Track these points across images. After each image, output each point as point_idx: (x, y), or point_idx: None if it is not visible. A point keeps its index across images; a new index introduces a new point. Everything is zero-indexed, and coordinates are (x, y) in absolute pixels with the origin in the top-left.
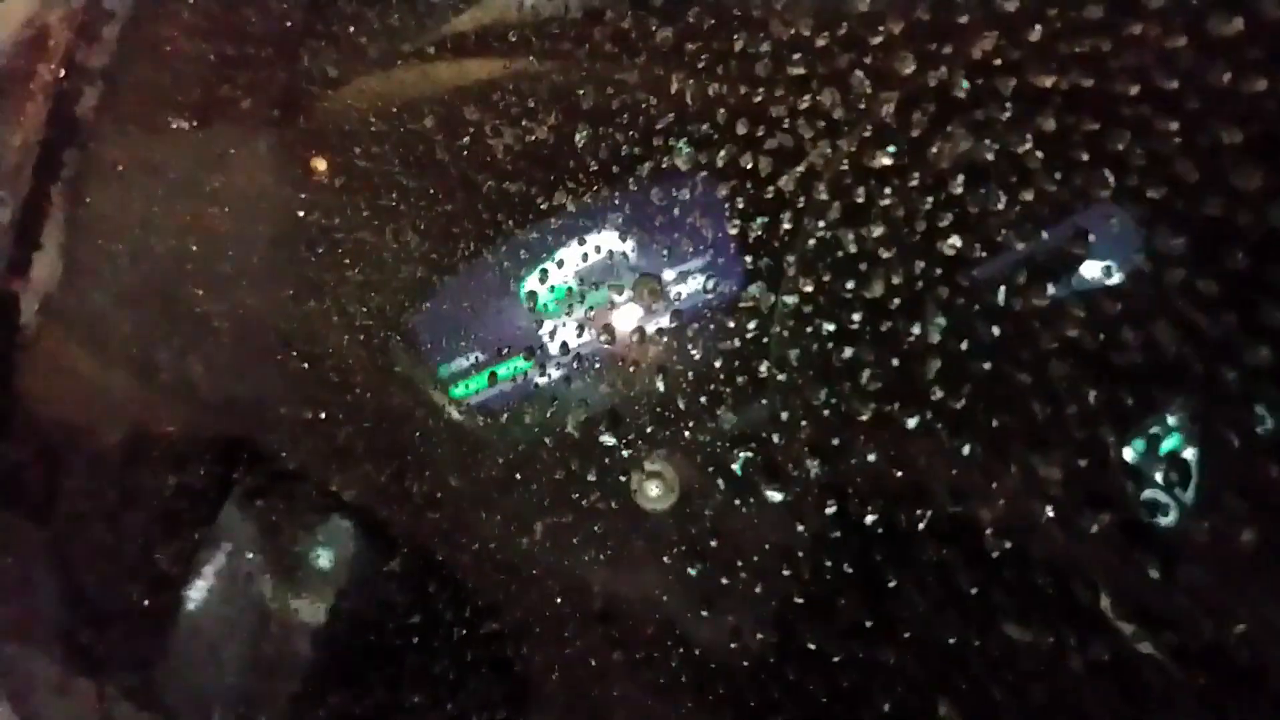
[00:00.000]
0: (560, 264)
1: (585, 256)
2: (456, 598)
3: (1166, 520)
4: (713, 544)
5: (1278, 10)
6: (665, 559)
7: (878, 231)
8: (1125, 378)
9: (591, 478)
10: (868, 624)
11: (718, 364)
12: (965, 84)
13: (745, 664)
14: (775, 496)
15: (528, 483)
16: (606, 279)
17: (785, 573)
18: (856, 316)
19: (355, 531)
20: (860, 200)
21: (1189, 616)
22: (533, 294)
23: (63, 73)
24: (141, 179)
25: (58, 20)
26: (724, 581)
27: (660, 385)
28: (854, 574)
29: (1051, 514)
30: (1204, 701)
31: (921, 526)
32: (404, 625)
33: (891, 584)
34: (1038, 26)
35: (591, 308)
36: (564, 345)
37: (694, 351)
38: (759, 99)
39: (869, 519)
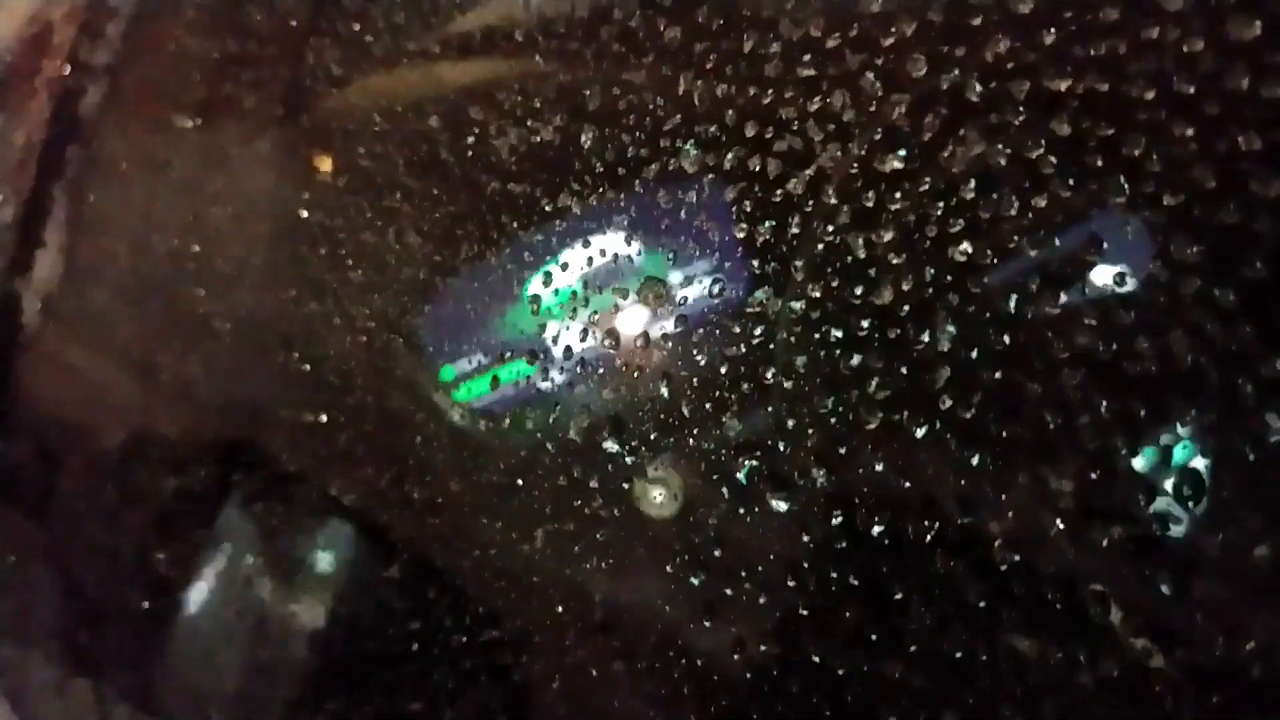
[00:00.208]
0: (564, 267)
1: (590, 259)
2: (456, 605)
3: (1178, 534)
4: (716, 553)
5: None
6: (668, 568)
7: (887, 237)
8: (1138, 388)
9: (594, 485)
10: (873, 636)
11: (723, 370)
12: (978, 87)
13: (748, 676)
14: (780, 506)
15: (529, 489)
16: (611, 282)
17: (790, 583)
18: (865, 323)
19: (355, 536)
20: (870, 204)
21: (1201, 632)
22: (536, 297)
23: (66, 70)
24: (144, 177)
25: (61, 17)
26: (727, 592)
27: (664, 391)
28: (860, 585)
29: (1062, 526)
30: (1216, 718)
31: (929, 538)
32: (403, 632)
33: (898, 596)
34: (1052, 29)
35: (596, 311)
36: (567, 349)
37: (699, 357)
38: (768, 100)
39: (876, 530)
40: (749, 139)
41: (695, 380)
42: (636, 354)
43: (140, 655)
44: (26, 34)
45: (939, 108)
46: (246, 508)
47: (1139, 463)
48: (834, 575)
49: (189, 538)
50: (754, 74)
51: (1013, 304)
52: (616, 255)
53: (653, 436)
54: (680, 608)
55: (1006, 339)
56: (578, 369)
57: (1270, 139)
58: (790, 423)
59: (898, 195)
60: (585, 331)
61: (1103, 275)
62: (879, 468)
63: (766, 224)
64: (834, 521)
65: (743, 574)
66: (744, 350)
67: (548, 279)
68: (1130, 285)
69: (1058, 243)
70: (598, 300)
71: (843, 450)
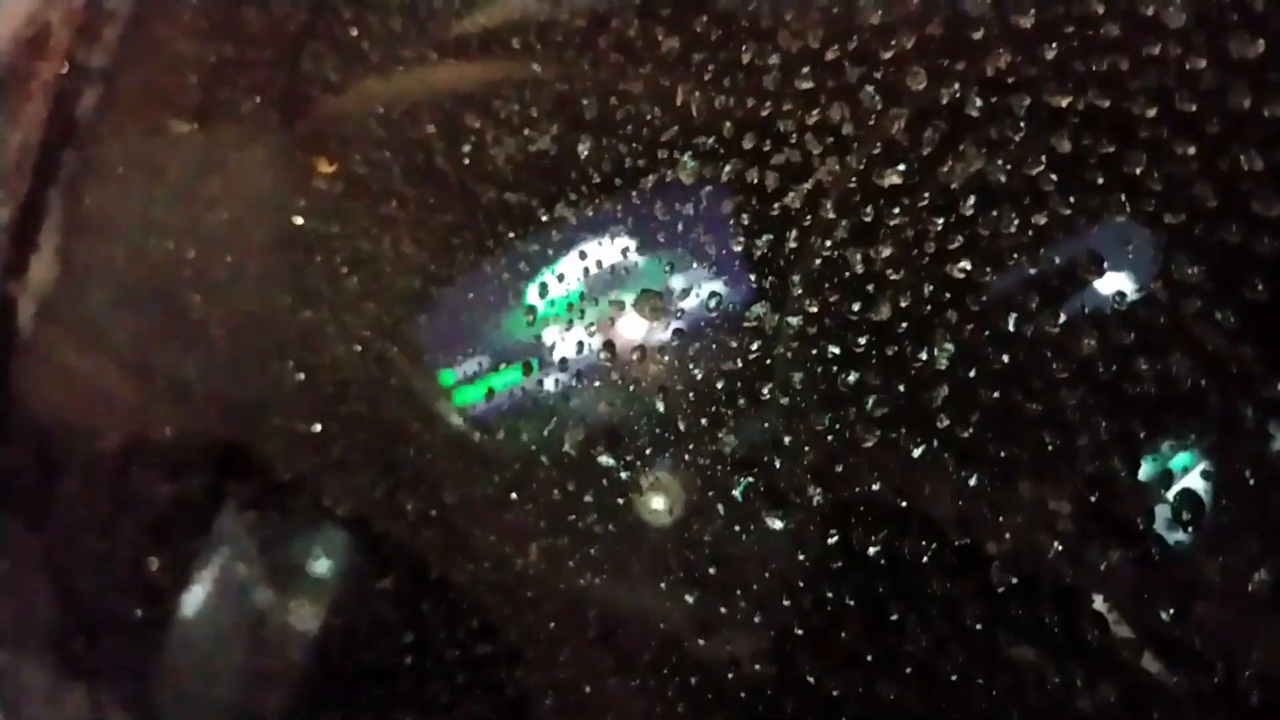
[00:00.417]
0: (560, 277)
1: (586, 270)
2: (450, 617)
3: (1178, 556)
4: (711, 571)
5: None
6: (663, 584)
7: (886, 252)
8: (1138, 409)
9: (589, 499)
10: (869, 657)
11: (719, 385)
12: (978, 102)
13: (743, 695)
14: (776, 523)
15: (524, 502)
16: (607, 294)
17: (785, 602)
18: (862, 340)
19: (349, 547)
20: (868, 219)
21: (1201, 656)
22: (532, 307)
23: (63, 72)
24: (140, 181)
25: (58, 19)
26: (722, 610)
27: (660, 405)
28: (856, 605)
29: (1060, 548)
30: None
31: (926, 558)
32: (397, 644)
33: (894, 616)
34: (1053, 44)
35: (591, 323)
36: (563, 361)
37: (695, 371)
38: (766, 112)
39: (872, 549)
40: (747, 151)
41: (691, 394)
42: (632, 367)
43: (135, 663)
44: (23, 36)
45: (939, 122)
46: (241, 516)
47: (1138, 484)
48: (830, 594)
49: (184, 545)
50: (752, 85)
51: (1012, 322)
52: (613, 266)
53: (648, 451)
54: (675, 625)
55: (1005, 357)
56: (573, 381)
57: (1272, 158)
58: (787, 439)
59: (896, 210)
60: (581, 343)
61: (1103, 294)
62: (876, 486)
63: (764, 237)
64: (830, 540)
65: (738, 592)
66: (741, 365)
67: (543, 289)
68: (1130, 304)
69: (1057, 260)
70: (594, 312)
71: (839, 468)
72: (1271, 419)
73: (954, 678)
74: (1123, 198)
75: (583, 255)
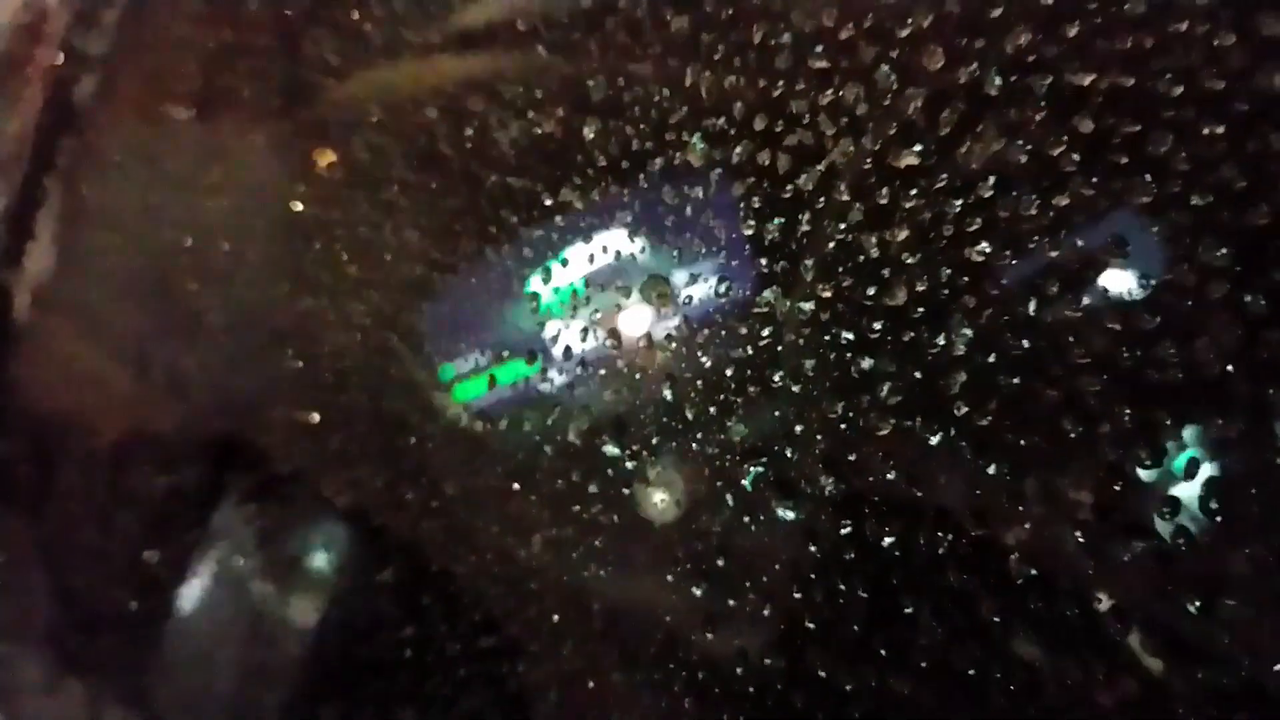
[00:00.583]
0: (566, 264)
1: (592, 257)
2: (452, 610)
3: (1203, 549)
4: (719, 562)
5: None
6: (669, 576)
7: (901, 235)
8: (1162, 397)
9: (594, 489)
10: (882, 651)
11: (729, 372)
12: (997, 81)
13: (752, 690)
14: (787, 514)
15: (527, 492)
16: (614, 281)
17: (796, 595)
18: (877, 325)
19: (349, 539)
20: (883, 202)
21: (1225, 651)
22: (536, 295)
23: (61, 59)
24: (138, 169)
25: (56, 4)
26: (731, 602)
27: (668, 394)
28: (869, 598)
29: (1080, 539)
30: None
31: (942, 550)
32: (398, 637)
33: (908, 609)
34: (1076, 22)
35: (597, 310)
36: (568, 349)
37: (704, 359)
38: (778, 93)
39: (886, 540)
40: (758, 133)
41: (699, 383)
42: (639, 355)
43: (133, 657)
44: (20, 21)
45: (956, 102)
46: (240, 508)
47: (1162, 474)
48: (842, 587)
49: (182, 538)
50: (764, 66)
51: (1032, 307)
52: (619, 252)
53: (655, 440)
54: (682, 618)
55: (1025, 343)
56: (578, 370)
57: None
58: (798, 428)
59: (912, 192)
60: (586, 331)
61: (1126, 278)
62: (890, 476)
63: (775, 221)
64: (843, 531)
65: (747, 584)
66: (750, 352)
67: (548, 276)
68: (1155, 289)
69: (1079, 244)
70: (600, 299)
71: (852, 457)
72: None
73: (970, 672)
74: (1147, 179)
75: (589, 241)
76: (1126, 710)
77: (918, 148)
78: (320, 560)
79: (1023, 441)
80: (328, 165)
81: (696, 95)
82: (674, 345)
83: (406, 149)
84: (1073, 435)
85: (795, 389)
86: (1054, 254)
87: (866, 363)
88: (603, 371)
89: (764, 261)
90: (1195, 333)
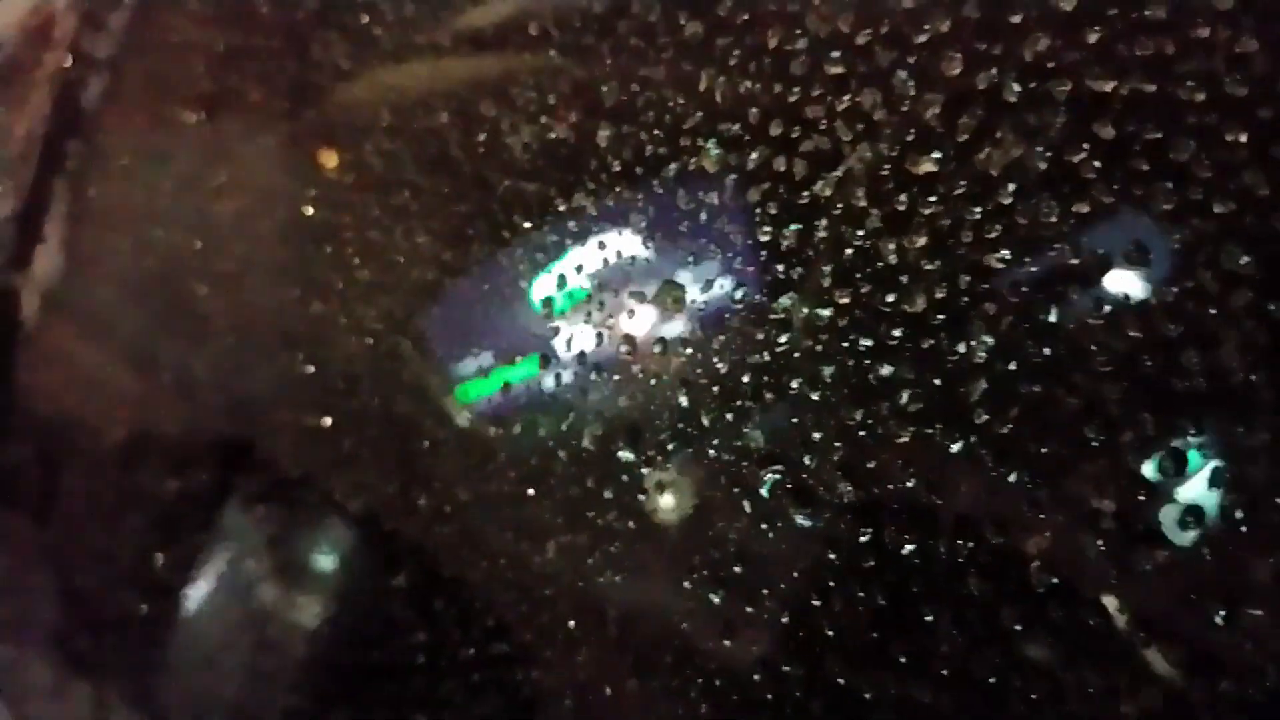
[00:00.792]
0: (579, 268)
1: (605, 261)
2: (464, 616)
3: (1225, 558)
4: (736, 569)
5: None
6: (685, 583)
7: (920, 242)
8: (1186, 404)
9: (608, 495)
10: (902, 659)
11: (745, 379)
12: (1016, 87)
13: (769, 698)
14: (804, 521)
15: (540, 498)
16: (627, 285)
17: (814, 602)
18: (896, 332)
19: (359, 543)
20: (902, 208)
21: (1250, 662)
22: (549, 299)
23: (68, 62)
24: (146, 171)
25: (64, 7)
26: (748, 610)
27: (683, 399)
28: (888, 606)
29: (1103, 548)
30: None
31: (962, 558)
32: (408, 642)
33: (928, 618)
34: (1096, 27)
35: (611, 315)
36: (581, 354)
37: (720, 365)
38: (794, 99)
39: (906, 548)
40: (774, 138)
41: (715, 389)
42: (653, 360)
43: (140, 659)
44: (29, 25)
45: (975, 108)
46: (248, 511)
47: (1186, 483)
48: (861, 595)
49: (189, 541)
50: (779, 70)
51: (1053, 314)
52: (633, 257)
53: (670, 446)
54: (698, 625)
55: (1046, 350)
56: (592, 375)
57: None
58: (816, 435)
59: (931, 199)
60: (600, 336)
61: (1147, 285)
62: (910, 483)
63: (792, 227)
64: (861, 539)
65: (764, 591)
66: (767, 358)
67: (561, 281)
68: (1176, 296)
69: (1100, 250)
70: (613, 304)
71: (871, 464)
72: None
73: (990, 680)
74: (1169, 185)
75: (602, 246)
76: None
77: (936, 154)
78: (330, 564)
79: (1044, 449)
80: (332, 167)
81: (711, 100)
82: (689, 351)
83: (417, 153)
84: (1094, 443)
85: (813, 396)
86: (1074, 261)
87: (885, 369)
88: (617, 377)
89: (781, 267)
90: (1218, 340)
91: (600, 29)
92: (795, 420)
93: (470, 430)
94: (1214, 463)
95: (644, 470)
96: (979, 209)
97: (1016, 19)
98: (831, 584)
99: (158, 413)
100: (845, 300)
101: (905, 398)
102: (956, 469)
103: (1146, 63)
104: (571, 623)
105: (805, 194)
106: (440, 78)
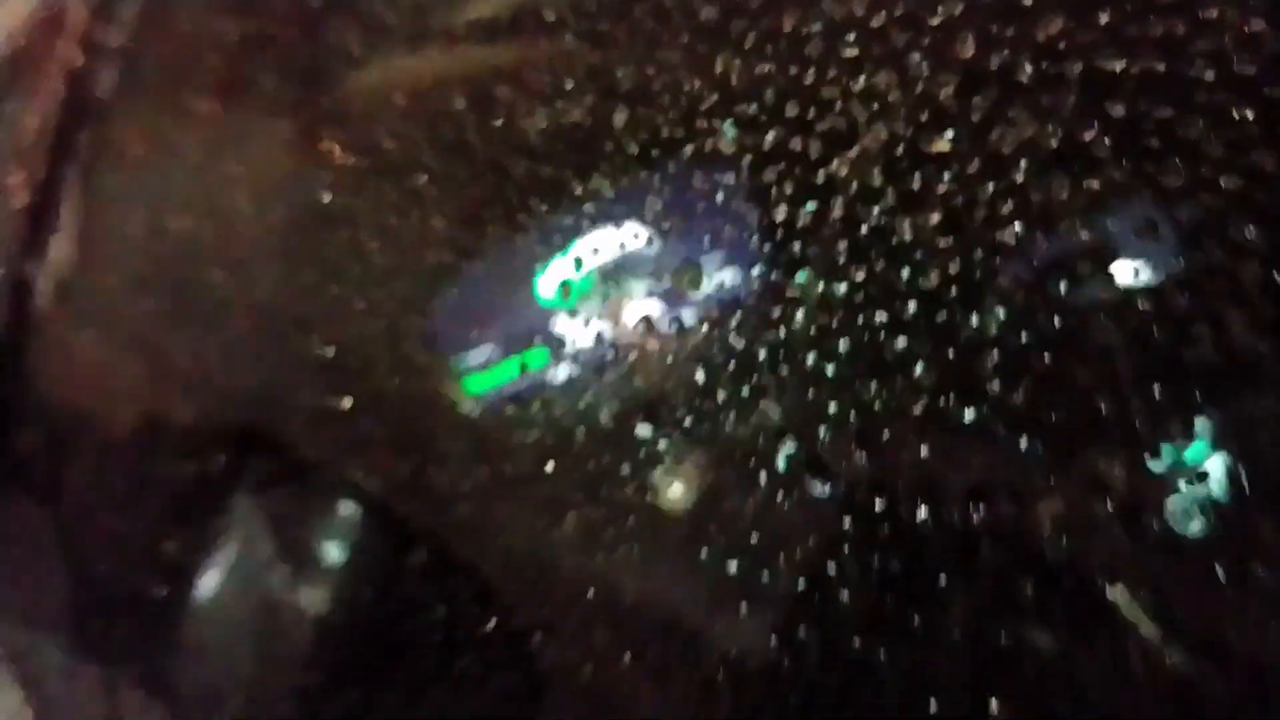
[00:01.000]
0: (595, 250)
1: (622, 243)
2: (479, 594)
3: (1239, 531)
4: (752, 540)
5: None
6: (702, 555)
7: (935, 219)
8: (1195, 375)
9: (625, 471)
10: (917, 626)
11: (762, 355)
12: (1029, 68)
13: (785, 665)
14: (821, 491)
15: (557, 476)
16: (645, 267)
17: (830, 571)
18: (911, 307)
19: (374, 524)
20: (916, 187)
21: (1263, 641)
22: (566, 281)
23: (80, 51)
24: (159, 160)
25: None
26: (764, 579)
27: (700, 377)
28: (903, 574)
29: (1116, 518)
30: None
31: (976, 526)
32: (423, 621)
33: (942, 585)
34: (1108, 8)
35: (628, 296)
36: (598, 335)
37: (736, 342)
38: (810, 80)
39: (920, 517)
40: (790, 119)
41: (732, 365)
42: (670, 339)
43: (151, 643)
44: (39, 16)
45: (988, 88)
46: (261, 494)
47: (1196, 454)
48: (876, 563)
49: (202, 524)
50: (795, 53)
51: (1064, 288)
52: (650, 238)
53: (687, 422)
54: (714, 595)
55: (1058, 323)
56: (609, 355)
57: None
58: (832, 408)
59: (945, 177)
60: (617, 317)
61: (1158, 259)
62: (924, 453)
63: (808, 206)
64: (876, 508)
65: (780, 560)
66: (784, 334)
67: (578, 263)
68: (1187, 270)
69: (1111, 226)
70: (630, 285)
71: (886, 435)
72: None
73: (1004, 649)
74: (1179, 162)
75: (619, 227)
76: (1159, 682)
77: (950, 133)
78: (346, 544)
79: (1055, 419)
80: (347, 154)
81: (727, 82)
82: (706, 329)
83: (432, 138)
84: (1105, 413)
85: (829, 370)
86: (1086, 236)
87: (900, 344)
88: (634, 356)
89: (797, 246)
90: (1228, 313)
91: (615, 12)
92: (812, 394)
93: (488, 410)
94: (1225, 434)
95: (661, 445)
96: (992, 186)
97: (1029, 1)
98: (847, 552)
99: (171, 397)
100: (860, 276)
101: (919, 370)
102: (969, 439)
103: (1157, 42)
104: (588, 596)
105: (821, 173)
106: (455, 63)
